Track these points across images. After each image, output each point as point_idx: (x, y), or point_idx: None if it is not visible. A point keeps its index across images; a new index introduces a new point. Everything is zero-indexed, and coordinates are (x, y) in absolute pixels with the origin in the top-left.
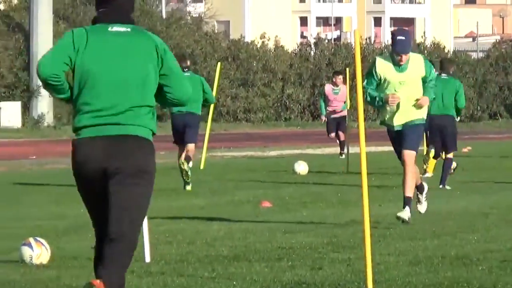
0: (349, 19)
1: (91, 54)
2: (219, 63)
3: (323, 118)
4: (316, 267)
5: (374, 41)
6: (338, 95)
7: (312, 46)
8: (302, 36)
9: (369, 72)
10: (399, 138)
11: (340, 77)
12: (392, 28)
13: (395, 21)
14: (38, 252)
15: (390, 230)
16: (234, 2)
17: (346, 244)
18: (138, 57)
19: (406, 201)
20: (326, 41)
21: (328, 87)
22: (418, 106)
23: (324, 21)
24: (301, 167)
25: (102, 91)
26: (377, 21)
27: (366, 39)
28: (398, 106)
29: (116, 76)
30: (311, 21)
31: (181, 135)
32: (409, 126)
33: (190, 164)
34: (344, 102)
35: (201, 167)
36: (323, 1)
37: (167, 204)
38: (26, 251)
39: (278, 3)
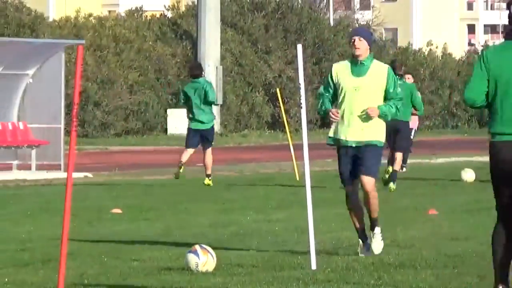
0: None
1: (495, 67)
2: None
3: None
4: (483, 275)
5: None
6: None
7: (480, 53)
8: (470, 44)
9: (326, 79)
10: (353, 159)
11: (409, 76)
12: None
13: None
14: (204, 260)
15: None
16: (402, 10)
17: None
18: None
19: (374, 222)
20: None
21: None
22: (367, 115)
23: (492, 29)
24: (468, 175)
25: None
26: None
27: None
28: (350, 118)
29: None
30: (479, 29)
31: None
32: (367, 147)
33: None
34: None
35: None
36: (491, 9)
37: (333, 212)
38: (192, 259)
39: (446, 11)
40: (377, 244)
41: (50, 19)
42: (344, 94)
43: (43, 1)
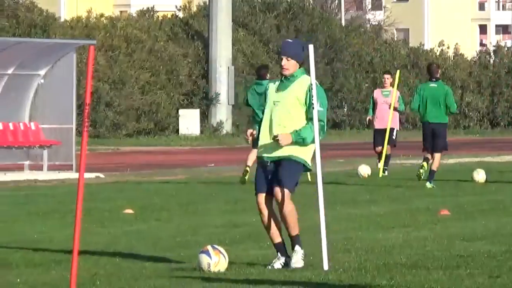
0: None
1: None
2: (398, 71)
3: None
4: (494, 275)
5: None
6: (388, 97)
7: (492, 54)
8: (481, 44)
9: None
10: (271, 173)
11: (388, 76)
12: None
13: None
14: (216, 260)
15: None
16: (413, 10)
17: None
18: None
19: (294, 241)
20: (506, 49)
21: (377, 91)
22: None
23: (503, 29)
24: (480, 175)
25: None
26: None
27: None
28: (270, 133)
29: None
30: (491, 29)
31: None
32: (283, 160)
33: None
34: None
35: (380, 175)
36: (503, 9)
37: (345, 212)
38: (204, 259)
39: (457, 11)
40: (297, 261)
41: (62, 20)
42: (268, 109)
43: (54, 1)
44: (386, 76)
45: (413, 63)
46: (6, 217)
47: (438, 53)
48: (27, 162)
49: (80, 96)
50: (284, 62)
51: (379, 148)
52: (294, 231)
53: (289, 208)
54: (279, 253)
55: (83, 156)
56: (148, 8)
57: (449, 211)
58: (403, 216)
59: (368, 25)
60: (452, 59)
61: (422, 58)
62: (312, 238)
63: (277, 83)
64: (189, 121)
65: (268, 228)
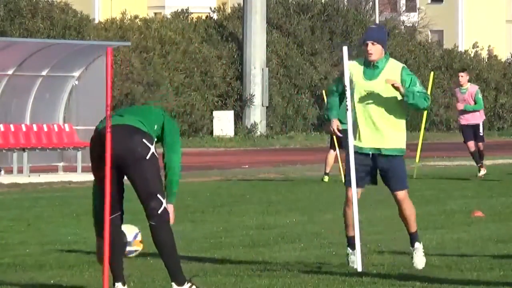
0: None
1: None
2: (432, 73)
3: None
4: None
5: None
6: (465, 94)
7: None
8: None
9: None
10: (368, 167)
11: (462, 74)
12: None
13: None
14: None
15: None
16: (448, 12)
17: None
18: None
19: (413, 237)
20: None
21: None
22: (391, 84)
23: None
24: None
25: None
26: None
27: None
28: (368, 122)
29: None
30: None
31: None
32: (390, 159)
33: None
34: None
35: (414, 176)
36: None
37: (379, 214)
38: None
39: (492, 13)
40: (419, 259)
41: (96, 21)
42: (358, 98)
43: (89, 3)
44: (461, 74)
45: (447, 65)
46: (40, 219)
47: (472, 55)
48: (61, 164)
49: (114, 98)
50: (370, 46)
51: (471, 143)
52: (412, 228)
53: (410, 207)
54: (350, 247)
55: (108, 157)
56: (182, 9)
57: (483, 213)
58: (436, 218)
59: (402, 27)
60: (486, 60)
61: (456, 60)
62: (346, 239)
63: (361, 68)
64: (223, 122)
65: (349, 220)
